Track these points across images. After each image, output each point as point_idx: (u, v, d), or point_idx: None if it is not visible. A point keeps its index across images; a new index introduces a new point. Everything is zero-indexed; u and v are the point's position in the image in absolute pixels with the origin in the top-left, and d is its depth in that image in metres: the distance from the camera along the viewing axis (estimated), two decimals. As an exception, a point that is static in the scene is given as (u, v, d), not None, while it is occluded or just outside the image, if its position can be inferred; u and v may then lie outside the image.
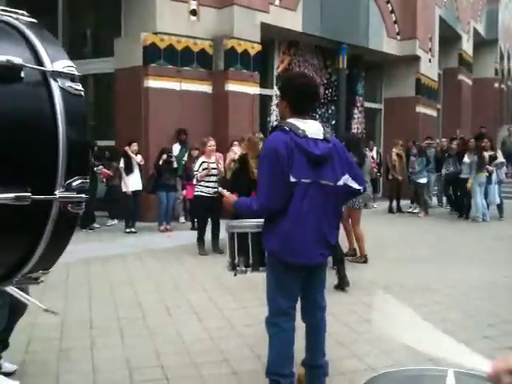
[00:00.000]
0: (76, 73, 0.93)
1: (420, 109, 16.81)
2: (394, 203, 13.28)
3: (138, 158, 9.74)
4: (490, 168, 11.18)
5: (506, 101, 31.24)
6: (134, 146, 9.65)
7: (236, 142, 8.91)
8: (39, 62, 0.89)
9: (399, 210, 13.20)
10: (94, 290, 5.68)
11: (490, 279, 6.27)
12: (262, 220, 3.17)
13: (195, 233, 8.09)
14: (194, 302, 5.29)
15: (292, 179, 2.88)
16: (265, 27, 11.97)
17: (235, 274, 3.84)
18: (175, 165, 9.87)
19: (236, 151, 8.40)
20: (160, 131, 10.63)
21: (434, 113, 18.34)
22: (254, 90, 11.85)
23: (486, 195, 11.32)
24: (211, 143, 8.00)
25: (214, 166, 7.89)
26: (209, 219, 7.98)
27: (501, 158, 11.66)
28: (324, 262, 3.26)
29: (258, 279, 5.90)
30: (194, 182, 8.03)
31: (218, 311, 5.00)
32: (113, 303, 5.22)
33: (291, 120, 2.98)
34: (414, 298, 5.48)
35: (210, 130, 11.02)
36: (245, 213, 3.23)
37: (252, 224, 3.29)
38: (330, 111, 15.17)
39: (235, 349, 4.04)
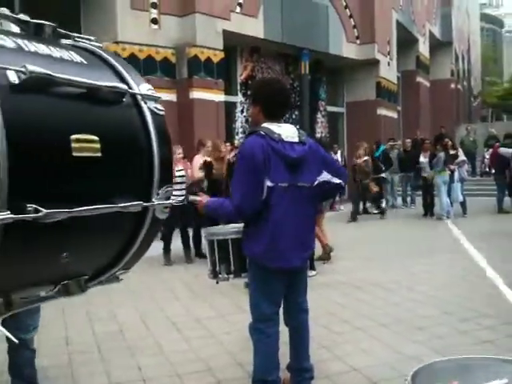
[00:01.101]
0: (157, 94, 1.08)
1: (381, 111, 17.14)
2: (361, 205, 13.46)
3: None
4: (452, 166, 11.48)
5: (463, 101, 32.20)
6: None
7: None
8: (128, 86, 1.01)
9: (365, 211, 13.38)
10: (67, 305, 5.54)
11: (458, 275, 6.43)
12: (242, 225, 3.15)
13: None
14: (171, 312, 5.23)
15: (269, 183, 2.89)
16: (227, 34, 12.01)
17: (217, 282, 3.81)
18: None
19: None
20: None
21: (394, 115, 18.73)
22: (218, 97, 11.85)
23: (449, 193, 11.61)
24: (179, 151, 7.97)
25: (180, 173, 7.84)
26: (177, 229, 7.91)
27: (462, 157, 11.99)
28: (305, 264, 3.29)
29: (233, 286, 5.92)
30: None
31: (195, 320, 4.95)
32: (87, 318, 5.11)
33: (266, 124, 2.99)
34: (388, 296, 5.57)
35: (176, 138, 10.94)
36: (219, 211, 3.16)
37: (232, 230, 3.28)
38: (293, 116, 15.28)
39: (217, 357, 4.00)
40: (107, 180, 0.91)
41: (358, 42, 16.46)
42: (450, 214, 11.70)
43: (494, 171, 13.63)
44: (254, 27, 12.84)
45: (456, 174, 11.60)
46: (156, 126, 0.99)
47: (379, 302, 5.38)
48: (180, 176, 7.80)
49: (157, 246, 8.16)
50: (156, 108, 1.02)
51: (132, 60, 10.81)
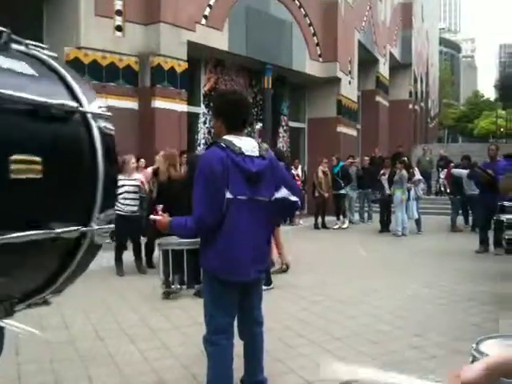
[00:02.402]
0: (107, 113, 1.02)
1: (341, 128, 17.44)
2: (319, 220, 13.63)
3: None
4: (409, 185, 11.78)
5: (420, 121, 33.11)
6: None
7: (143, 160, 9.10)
8: (79, 103, 0.96)
9: (324, 226, 13.55)
10: (17, 314, 5.38)
11: (412, 291, 6.56)
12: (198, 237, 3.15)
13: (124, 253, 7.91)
14: (125, 323, 5.15)
15: (228, 195, 2.90)
16: (191, 45, 12.02)
17: (169, 294, 3.77)
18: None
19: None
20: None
21: (354, 132, 19.09)
22: (181, 107, 11.82)
23: (405, 210, 11.90)
24: (132, 161, 7.92)
25: (133, 183, 7.76)
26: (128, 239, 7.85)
27: (418, 176, 12.32)
28: (261, 277, 3.30)
29: (189, 297, 5.88)
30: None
31: (150, 332, 4.88)
32: (39, 327, 4.97)
33: (227, 137, 3.01)
34: (345, 310, 5.64)
35: (137, 146, 10.85)
36: (181, 231, 3.17)
37: (188, 241, 3.25)
38: (255, 130, 15.38)
39: (171, 369, 3.96)
40: (46, 204, 0.85)
41: (321, 59, 16.75)
42: (406, 231, 11.97)
43: (448, 191, 14.05)
44: (218, 40, 12.90)
45: (412, 192, 11.91)
46: (104, 146, 0.94)
47: (335, 316, 5.43)
48: (133, 185, 7.72)
49: (109, 257, 8.07)
50: (105, 127, 0.97)
51: (94, 66, 10.70)
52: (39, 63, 0.99)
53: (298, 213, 14.65)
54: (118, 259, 7.67)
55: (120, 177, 7.75)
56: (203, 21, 12.47)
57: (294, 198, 3.15)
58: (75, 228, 0.89)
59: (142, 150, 10.36)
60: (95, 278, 7.35)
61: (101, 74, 10.84)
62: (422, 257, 9.17)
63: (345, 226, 13.51)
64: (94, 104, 0.95)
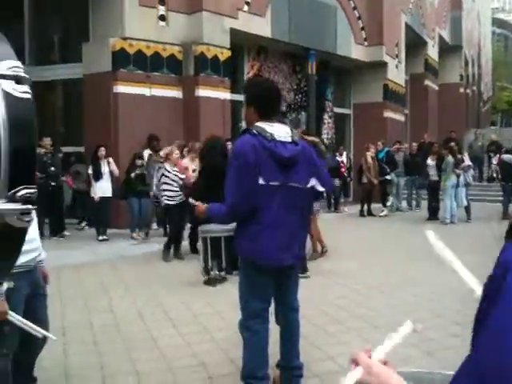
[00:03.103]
0: (22, 74, 0.85)
1: (388, 114, 17.10)
2: (365, 207, 13.45)
3: (115, 171, 9.60)
4: (458, 171, 11.46)
5: (472, 105, 32.05)
6: (102, 151, 9.54)
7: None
8: None
9: (370, 213, 13.37)
10: (66, 297, 5.61)
11: (455, 280, 6.40)
12: (235, 224, 3.18)
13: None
14: (168, 307, 5.27)
15: (261, 181, 2.91)
16: (234, 33, 12.02)
17: (208, 279, 3.84)
18: (145, 171, 9.79)
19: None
20: (130, 137, 10.55)
21: (401, 118, 18.67)
22: (224, 95, 11.87)
23: (454, 197, 11.60)
24: (176, 152, 8.05)
25: (175, 173, 7.91)
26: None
27: (467, 161, 11.95)
28: (296, 263, 3.30)
29: (231, 283, 5.95)
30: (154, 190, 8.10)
31: (192, 316, 4.99)
32: (85, 310, 5.16)
33: (259, 124, 3.01)
34: (386, 298, 5.58)
35: (181, 135, 11.00)
36: (217, 217, 3.23)
37: (225, 228, 3.29)
38: (300, 116, 15.30)
39: (210, 353, 4.04)
40: None
41: (366, 43, 16.43)
42: (454, 219, 11.66)
43: (500, 177, 13.57)
44: (261, 26, 12.84)
45: (461, 179, 11.58)
46: (11, 111, 0.81)
47: (375, 304, 5.38)
48: (176, 175, 7.86)
49: (161, 243, 8.25)
50: (15, 90, 0.82)
51: (139, 56, 10.88)
52: None
53: (342, 200, 14.56)
54: (168, 247, 7.82)
55: (166, 167, 7.91)
56: (245, 7, 12.45)
57: (320, 189, 3.13)
58: None
59: (187, 139, 10.47)
60: (141, 262, 7.58)
61: (145, 64, 11.02)
62: (469, 245, 8.92)
63: (382, 214, 13.25)
64: (2, 64, 0.83)
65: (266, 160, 2.90)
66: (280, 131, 3.02)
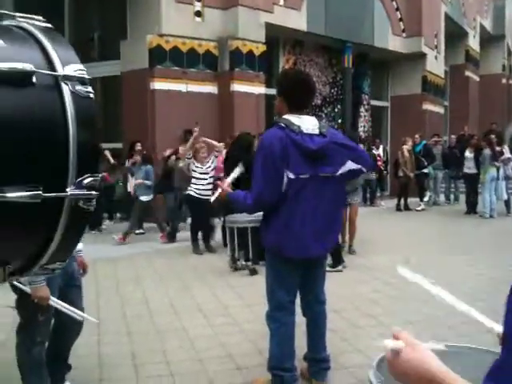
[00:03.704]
0: (86, 76, 0.98)
1: (427, 106, 16.79)
2: (402, 201, 13.26)
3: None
4: (497, 164, 11.18)
5: (515, 96, 31.06)
6: (138, 147, 9.71)
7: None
8: (51, 66, 0.95)
9: (407, 208, 13.18)
10: (101, 288, 5.77)
11: (494, 274, 6.28)
12: (261, 214, 3.20)
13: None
14: (200, 299, 5.36)
15: (291, 176, 2.92)
16: (269, 27, 12.02)
17: (236, 269, 3.89)
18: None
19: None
20: (167, 133, 10.71)
21: (441, 110, 18.29)
22: (259, 89, 11.89)
23: (494, 191, 11.33)
24: (203, 150, 8.14)
25: (204, 170, 8.03)
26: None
27: (508, 154, 11.63)
28: (323, 255, 3.31)
29: (263, 276, 6.00)
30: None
31: (222, 308, 5.06)
32: (120, 301, 5.31)
33: (287, 116, 3.02)
34: (421, 293, 5.49)
35: (217, 130, 11.10)
36: (238, 205, 3.24)
37: (251, 219, 3.34)
38: (336, 110, 15.19)
39: (239, 344, 4.10)
40: (8, 166, 0.88)
41: (404, 35, 16.15)
42: (494, 213, 11.39)
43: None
44: (296, 20, 12.80)
45: (501, 172, 11.29)
46: (78, 109, 0.93)
47: (410, 299, 5.32)
48: (204, 172, 7.97)
49: (189, 236, 8.36)
50: (81, 90, 0.95)
51: (175, 53, 11.02)
52: (22, 32, 1.00)
53: (379, 194, 14.40)
54: (195, 239, 7.95)
55: (197, 164, 8.02)
56: (281, 1, 12.42)
57: (355, 167, 3.10)
58: (32, 193, 0.88)
59: (222, 134, 10.56)
60: (175, 256, 7.71)
61: (182, 60, 11.15)
62: (509, 240, 8.70)
63: (419, 208, 13.03)
64: (69, 67, 0.95)
65: (293, 153, 2.91)
66: (307, 123, 3.02)
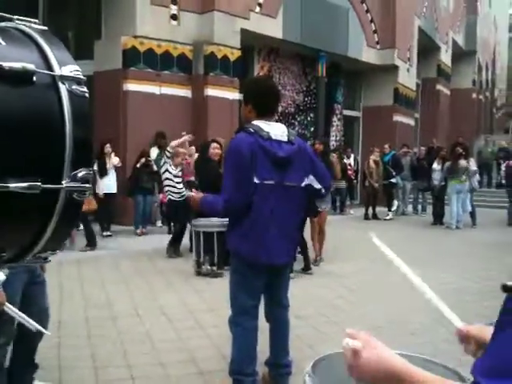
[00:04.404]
0: (81, 76, 1.04)
1: (398, 117, 17.06)
2: (370, 210, 13.43)
3: (115, 161, 9.72)
4: (464, 176, 11.43)
5: (484, 111, 31.84)
6: (107, 148, 9.63)
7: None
8: (49, 66, 1.01)
9: (375, 216, 13.35)
10: (65, 291, 5.68)
11: (456, 284, 6.40)
12: (227, 219, 3.21)
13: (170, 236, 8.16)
14: (165, 303, 5.32)
15: (255, 180, 2.94)
16: (245, 33, 12.07)
17: (200, 273, 3.89)
18: (155, 168, 9.87)
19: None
20: (138, 135, 10.63)
21: (411, 122, 18.61)
22: (233, 95, 11.92)
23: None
24: (183, 156, 8.15)
25: (178, 173, 8.00)
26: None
27: (474, 167, 11.90)
28: (288, 262, 3.33)
29: (227, 281, 6.01)
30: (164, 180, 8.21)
31: (187, 312, 5.04)
32: (83, 304, 5.23)
33: (256, 122, 3.04)
34: (385, 300, 5.59)
35: (190, 133, 11.04)
36: (210, 211, 3.27)
37: (218, 223, 3.35)
38: (309, 118, 15.31)
39: (202, 349, 4.09)
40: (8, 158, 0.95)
41: (378, 46, 16.40)
42: (460, 224, 11.62)
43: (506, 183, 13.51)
44: (272, 27, 12.88)
45: (466, 184, 11.54)
46: (73, 107, 1.00)
47: (373, 306, 5.40)
48: (178, 175, 7.96)
49: (164, 240, 8.31)
50: (77, 89, 1.02)
51: (150, 55, 10.96)
52: (20, 34, 1.07)
53: (348, 203, 14.54)
54: (172, 243, 7.90)
55: (173, 167, 8.00)
56: (257, 8, 12.49)
57: (317, 186, 3.14)
58: (32, 184, 0.95)
59: (195, 138, 10.53)
60: (142, 259, 7.65)
61: (156, 63, 11.09)
62: (472, 250, 8.89)
63: (387, 217, 13.23)
64: (66, 68, 1.02)
65: (261, 159, 2.92)
66: (276, 130, 3.04)
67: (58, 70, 1.00)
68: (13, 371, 3.10)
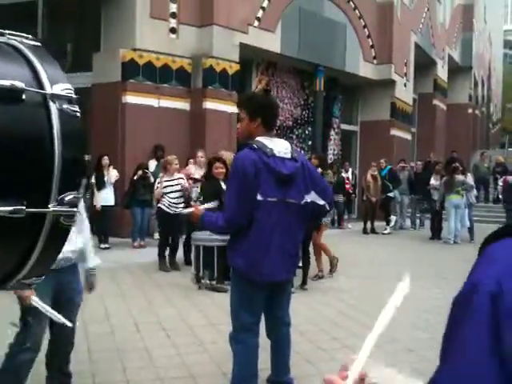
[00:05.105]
0: (73, 95, 0.98)
1: (394, 132, 17.13)
2: (369, 224, 13.42)
3: (114, 175, 9.70)
4: (461, 191, 11.46)
5: (480, 126, 32.02)
6: (105, 160, 9.61)
7: (191, 160, 9.31)
8: (40, 84, 0.95)
9: (373, 231, 13.34)
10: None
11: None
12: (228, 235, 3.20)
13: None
14: (164, 318, 5.27)
15: (259, 197, 2.92)
16: (244, 47, 12.14)
17: (200, 287, 3.86)
18: (151, 180, 9.85)
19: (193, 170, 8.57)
20: (136, 147, 10.63)
21: (408, 136, 18.69)
22: (231, 108, 11.93)
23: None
24: (176, 162, 8.11)
25: (174, 183, 7.97)
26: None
27: (470, 182, 11.93)
28: (288, 278, 3.31)
29: (227, 296, 5.97)
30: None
31: (186, 327, 4.99)
32: (81, 318, 5.16)
33: (259, 139, 3.03)
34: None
35: (187, 147, 11.07)
36: (211, 226, 3.25)
37: (219, 238, 3.33)
38: (306, 132, 15.35)
39: (202, 365, 4.04)
40: None
41: (375, 61, 16.51)
42: (458, 239, 11.62)
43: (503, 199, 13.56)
44: (271, 41, 12.96)
45: (464, 199, 11.56)
46: (64, 127, 0.95)
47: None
48: (175, 185, 7.92)
49: (154, 252, 8.26)
50: (68, 109, 0.96)
51: (149, 68, 10.99)
52: (11, 50, 1.05)
53: (346, 217, 14.54)
54: (162, 255, 7.86)
55: (165, 178, 7.98)
56: (256, 23, 12.57)
57: (321, 202, 3.13)
58: (16, 207, 0.90)
59: (193, 150, 10.53)
60: (140, 272, 7.59)
61: (154, 75, 11.12)
62: (470, 266, 8.87)
63: (386, 232, 13.24)
64: (57, 86, 0.96)
65: (264, 176, 2.92)
66: (280, 147, 3.03)
67: (48, 89, 0.94)
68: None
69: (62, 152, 0.93)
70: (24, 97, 0.90)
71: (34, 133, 0.92)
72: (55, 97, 0.94)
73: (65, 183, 0.94)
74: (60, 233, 0.97)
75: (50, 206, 0.92)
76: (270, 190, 2.95)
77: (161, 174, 8.18)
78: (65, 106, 0.95)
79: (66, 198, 0.94)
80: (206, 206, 3.46)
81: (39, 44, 1.06)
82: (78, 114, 0.99)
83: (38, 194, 0.92)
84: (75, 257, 3.19)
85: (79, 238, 3.21)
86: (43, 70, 0.95)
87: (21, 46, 1.03)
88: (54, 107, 0.93)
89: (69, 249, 3.06)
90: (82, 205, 3.48)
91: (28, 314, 2.91)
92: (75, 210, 0.97)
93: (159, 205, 7.99)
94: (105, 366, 3.95)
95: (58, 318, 2.85)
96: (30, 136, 0.92)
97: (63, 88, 0.95)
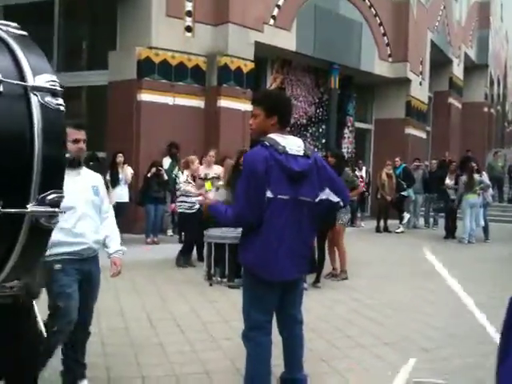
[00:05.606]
0: (57, 87, 0.92)
1: (409, 130, 17.03)
2: (382, 223, 13.37)
3: (130, 173, 9.77)
4: (478, 190, 11.37)
5: (496, 125, 31.71)
6: (120, 157, 9.68)
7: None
8: (21, 75, 0.88)
9: (386, 229, 13.29)
10: (78, 299, 5.69)
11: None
12: (240, 231, 3.19)
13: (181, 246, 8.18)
14: (178, 314, 5.31)
15: (269, 195, 2.91)
16: (259, 45, 12.14)
17: (211, 284, 3.86)
18: (165, 178, 9.92)
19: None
20: (151, 144, 10.70)
21: (423, 135, 18.57)
22: (245, 106, 11.96)
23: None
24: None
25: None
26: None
27: (486, 181, 11.83)
28: (300, 277, 3.31)
29: (240, 292, 5.99)
30: (178, 194, 8.16)
31: (200, 323, 5.03)
32: (95, 313, 5.21)
33: (272, 135, 3.03)
34: (398, 315, 5.55)
35: (202, 144, 11.12)
36: (219, 217, 3.22)
37: (230, 235, 3.32)
38: (320, 130, 15.33)
39: (216, 361, 4.06)
40: None
41: (391, 59, 16.42)
42: (472, 238, 11.54)
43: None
44: (286, 40, 12.95)
45: (480, 199, 11.46)
46: (45, 122, 0.86)
47: (387, 321, 5.35)
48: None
49: (175, 249, 8.31)
50: (50, 102, 0.88)
51: (164, 66, 11.05)
52: None
53: (359, 215, 14.50)
54: (182, 253, 7.90)
55: (190, 179, 8.01)
56: (271, 21, 12.57)
57: (335, 199, 3.12)
58: None
59: (207, 148, 10.57)
60: (154, 268, 7.65)
61: (170, 74, 11.18)
62: (485, 265, 8.82)
63: (399, 230, 13.17)
64: (41, 77, 0.87)
65: (276, 173, 2.91)
66: (292, 144, 3.03)
67: (30, 80, 0.88)
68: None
69: (43, 148, 0.87)
70: (1, 89, 0.85)
71: (12, 128, 0.86)
72: (37, 89, 0.89)
73: (46, 182, 0.90)
74: (41, 234, 0.92)
75: (28, 206, 0.88)
76: (282, 187, 2.94)
77: (185, 171, 8.18)
78: (47, 99, 0.90)
79: (48, 198, 0.91)
80: (213, 195, 3.46)
81: (25, 33, 0.96)
82: (62, 108, 0.94)
83: (16, 193, 0.87)
84: (98, 247, 3.26)
85: (104, 230, 3.24)
86: (26, 61, 0.89)
87: (5, 36, 0.94)
88: (35, 100, 0.89)
89: (81, 240, 3.09)
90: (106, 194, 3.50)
91: (59, 299, 2.98)
92: (57, 210, 0.91)
93: (179, 210, 8.03)
94: (119, 360, 4.00)
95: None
96: (8, 131, 0.86)
97: (48, 80, 0.91)
